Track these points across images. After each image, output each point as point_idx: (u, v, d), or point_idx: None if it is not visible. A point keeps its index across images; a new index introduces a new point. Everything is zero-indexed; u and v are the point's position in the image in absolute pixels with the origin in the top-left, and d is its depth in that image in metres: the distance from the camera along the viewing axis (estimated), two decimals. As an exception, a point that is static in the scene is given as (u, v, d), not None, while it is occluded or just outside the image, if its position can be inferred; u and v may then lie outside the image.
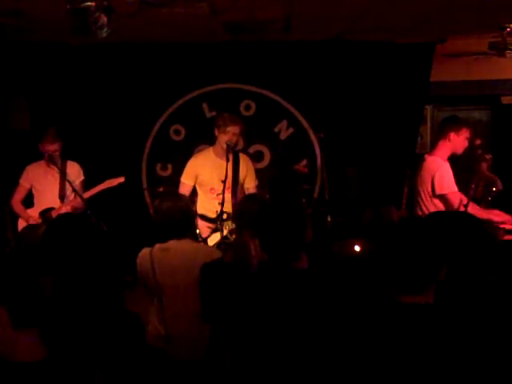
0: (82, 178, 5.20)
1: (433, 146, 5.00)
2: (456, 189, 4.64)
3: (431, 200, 4.74)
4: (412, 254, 1.95)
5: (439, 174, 4.64)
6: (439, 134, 4.84)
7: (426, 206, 4.78)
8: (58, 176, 5.05)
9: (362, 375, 1.95)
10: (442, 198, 4.68)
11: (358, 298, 2.56)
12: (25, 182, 5.12)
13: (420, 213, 4.85)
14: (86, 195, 4.92)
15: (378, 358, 1.93)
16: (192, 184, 4.79)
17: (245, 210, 3.39)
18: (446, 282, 2.11)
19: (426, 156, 4.88)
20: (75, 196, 5.00)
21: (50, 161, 4.97)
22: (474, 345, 1.91)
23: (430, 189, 4.72)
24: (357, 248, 4.30)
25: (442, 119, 5.17)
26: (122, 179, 4.99)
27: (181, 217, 3.19)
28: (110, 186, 4.97)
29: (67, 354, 2.17)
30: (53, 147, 4.97)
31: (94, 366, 2.15)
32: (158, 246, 3.24)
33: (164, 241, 3.19)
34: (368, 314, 2.05)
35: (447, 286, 2.16)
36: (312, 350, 2.29)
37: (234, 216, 3.75)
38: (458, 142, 4.71)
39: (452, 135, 4.69)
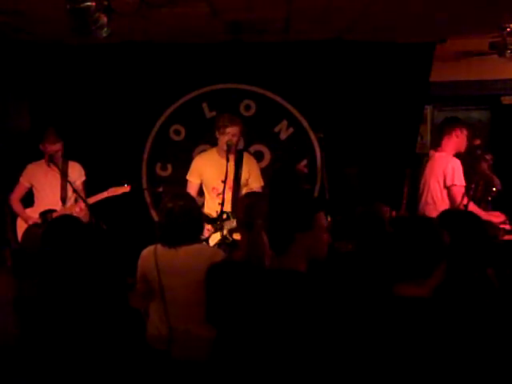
0: (84, 178, 5.19)
1: (437, 144, 5.12)
2: (464, 183, 4.79)
3: (441, 193, 4.89)
4: (411, 243, 2.08)
5: (451, 167, 4.83)
6: (443, 132, 5.02)
7: (434, 198, 4.90)
8: (59, 177, 5.03)
9: (363, 370, 2.00)
10: (450, 189, 4.81)
11: (355, 294, 2.58)
12: (24, 181, 5.11)
13: (426, 207, 4.91)
14: (90, 201, 4.87)
15: (375, 350, 2.00)
16: (198, 182, 4.81)
17: (252, 205, 3.32)
18: (447, 279, 2.15)
19: (433, 152, 5.06)
20: (77, 199, 4.99)
21: (51, 161, 4.95)
22: (468, 339, 1.97)
23: (442, 181, 4.86)
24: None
25: (445, 119, 5.38)
26: (127, 189, 4.96)
27: (193, 223, 3.17)
28: (114, 194, 4.94)
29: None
30: (55, 147, 4.97)
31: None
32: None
33: (173, 245, 3.16)
34: (366, 307, 2.13)
35: (447, 283, 2.19)
36: (316, 349, 2.29)
37: (239, 212, 3.64)
38: (462, 139, 4.98)
39: (458, 133, 4.95)
